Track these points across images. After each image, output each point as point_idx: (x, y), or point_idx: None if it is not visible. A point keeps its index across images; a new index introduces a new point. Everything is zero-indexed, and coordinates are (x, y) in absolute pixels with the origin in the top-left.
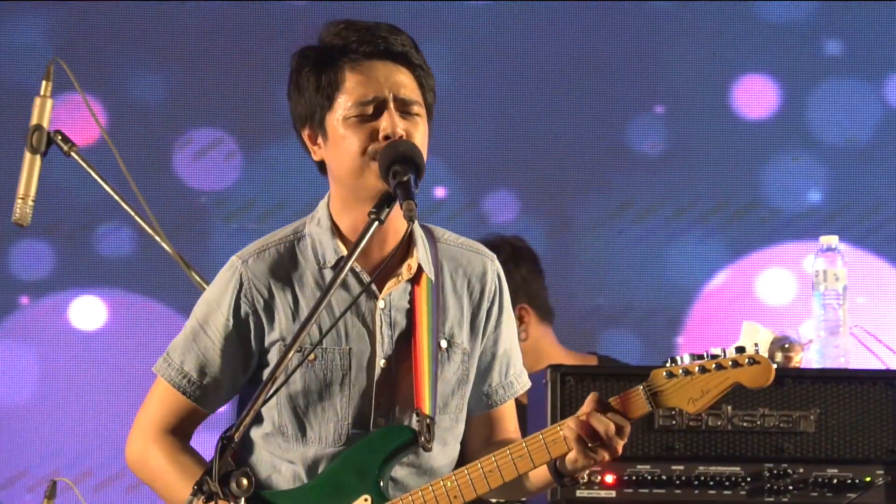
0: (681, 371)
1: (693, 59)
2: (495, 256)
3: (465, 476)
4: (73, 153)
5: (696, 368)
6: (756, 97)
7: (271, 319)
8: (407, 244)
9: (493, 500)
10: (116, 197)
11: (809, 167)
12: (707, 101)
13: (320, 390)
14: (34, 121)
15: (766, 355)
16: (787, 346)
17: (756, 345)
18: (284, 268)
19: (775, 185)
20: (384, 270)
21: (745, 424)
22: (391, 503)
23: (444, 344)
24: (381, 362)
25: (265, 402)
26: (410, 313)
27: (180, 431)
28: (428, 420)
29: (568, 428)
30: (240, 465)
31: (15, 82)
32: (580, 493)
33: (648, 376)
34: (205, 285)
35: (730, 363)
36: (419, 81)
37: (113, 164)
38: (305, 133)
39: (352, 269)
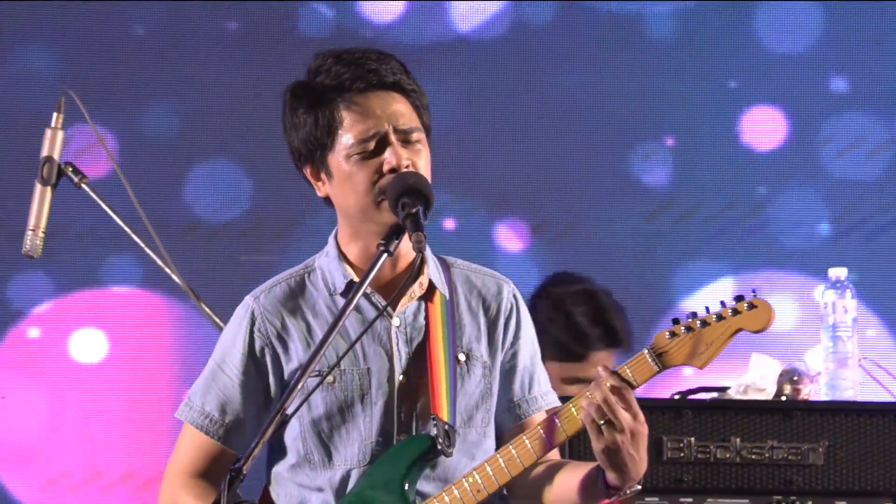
0: (683, 329)
1: (702, 91)
2: (510, 281)
3: (485, 469)
4: (83, 185)
5: (698, 324)
6: (765, 129)
7: (287, 350)
8: (418, 265)
9: None
10: (127, 229)
11: (817, 199)
12: (716, 133)
13: (342, 412)
14: (45, 152)
15: (774, 382)
16: (795, 378)
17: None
18: (296, 299)
19: (783, 215)
20: (396, 290)
21: (753, 457)
22: None
23: (462, 357)
24: (399, 378)
25: (278, 428)
26: (425, 329)
27: (209, 476)
28: (446, 426)
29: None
30: (271, 502)
31: (26, 113)
32: None
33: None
34: (214, 317)
35: (730, 312)
36: (414, 105)
37: (123, 195)
38: (307, 170)
39: (363, 293)
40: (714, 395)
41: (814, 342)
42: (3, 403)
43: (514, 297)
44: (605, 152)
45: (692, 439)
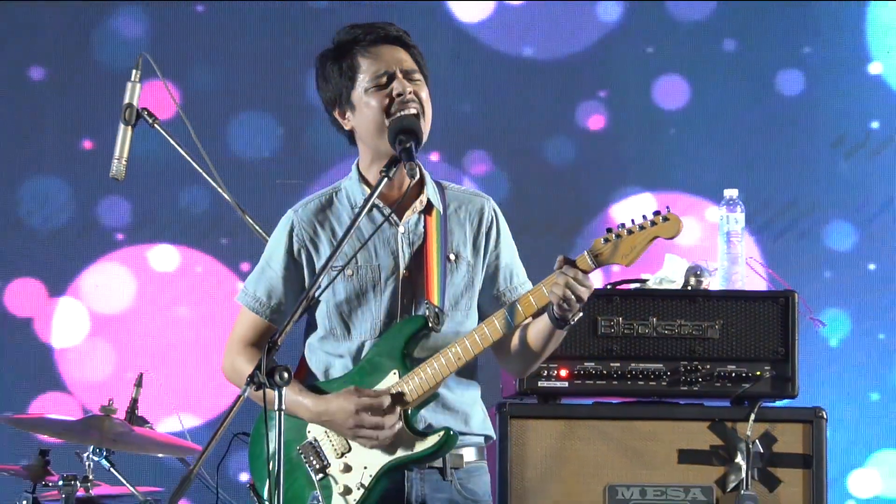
0: (614, 236)
1: (629, 59)
2: (491, 198)
3: (464, 342)
4: (156, 125)
5: (625, 232)
6: (671, 92)
7: (318, 251)
8: (419, 186)
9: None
10: (188, 158)
11: (712, 144)
12: (636, 94)
13: (358, 297)
14: (126, 100)
15: (682, 276)
16: (698, 272)
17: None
18: (325, 212)
19: (685, 157)
20: (402, 206)
21: (666, 332)
22: (412, 372)
23: (452, 257)
24: (402, 272)
25: (306, 310)
26: (424, 235)
27: (258, 345)
28: (437, 309)
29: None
30: (306, 366)
31: (113, 69)
32: (541, 383)
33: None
34: (256, 226)
35: (649, 223)
36: (415, 58)
37: (185, 134)
38: (336, 113)
39: (377, 207)
40: (637, 285)
41: (712, 249)
42: (97, 290)
43: (494, 210)
44: (554, 101)
45: (620, 318)
